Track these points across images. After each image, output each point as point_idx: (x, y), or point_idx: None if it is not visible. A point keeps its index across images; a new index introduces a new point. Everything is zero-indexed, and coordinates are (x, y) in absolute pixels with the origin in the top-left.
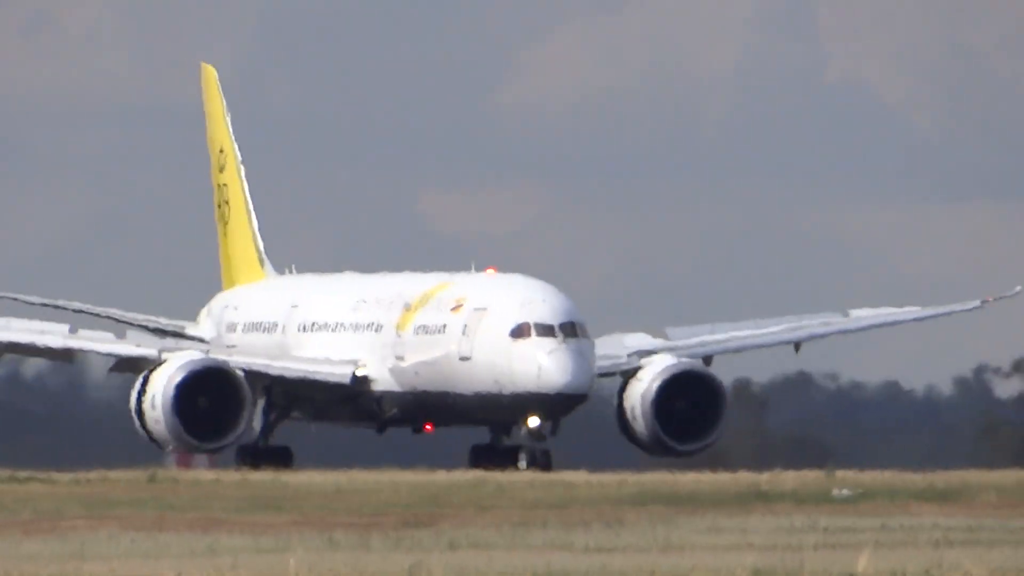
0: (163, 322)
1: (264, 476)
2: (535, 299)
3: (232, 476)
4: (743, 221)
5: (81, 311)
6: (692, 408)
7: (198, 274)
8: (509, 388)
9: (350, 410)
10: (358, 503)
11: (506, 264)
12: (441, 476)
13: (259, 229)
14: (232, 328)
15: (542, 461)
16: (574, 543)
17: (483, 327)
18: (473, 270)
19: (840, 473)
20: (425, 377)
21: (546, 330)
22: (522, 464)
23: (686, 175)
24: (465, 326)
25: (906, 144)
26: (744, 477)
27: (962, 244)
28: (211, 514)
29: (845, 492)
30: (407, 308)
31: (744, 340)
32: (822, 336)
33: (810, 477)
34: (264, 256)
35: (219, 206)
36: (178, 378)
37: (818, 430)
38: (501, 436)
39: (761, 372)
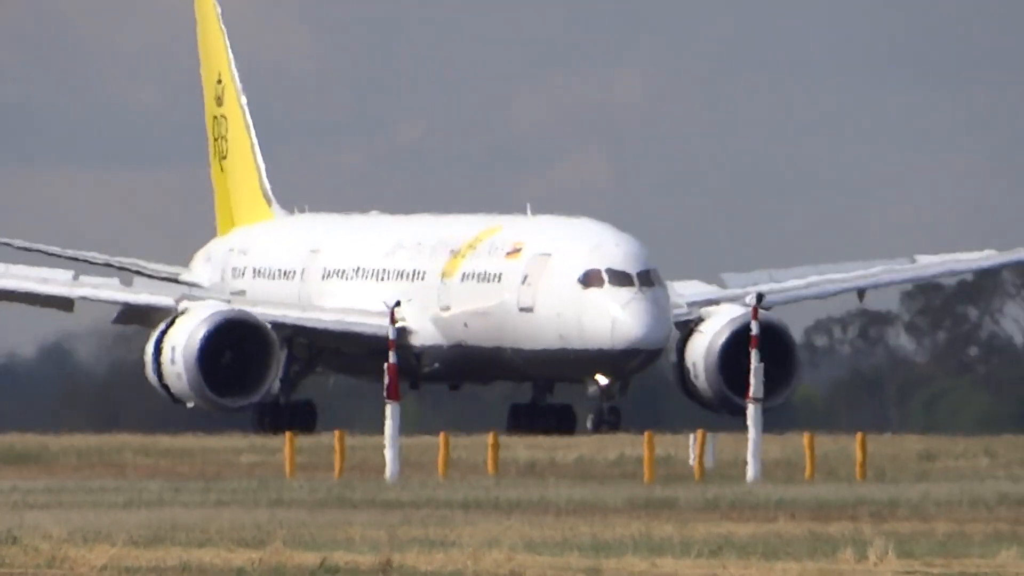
0: (147, 266)
1: None
2: (607, 243)
3: None
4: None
5: (54, 254)
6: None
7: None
8: (577, 343)
9: (383, 365)
10: None
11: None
12: None
13: (265, 166)
14: (239, 274)
15: (611, 420)
16: None
17: (547, 275)
18: (529, 213)
19: None
20: (476, 330)
21: (621, 278)
22: (589, 425)
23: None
24: (526, 274)
25: None
26: None
27: None
28: None
29: None
30: (454, 254)
31: (809, 288)
32: (889, 284)
33: None
34: (271, 195)
35: (215, 140)
36: (203, 330)
37: None
38: (545, 394)
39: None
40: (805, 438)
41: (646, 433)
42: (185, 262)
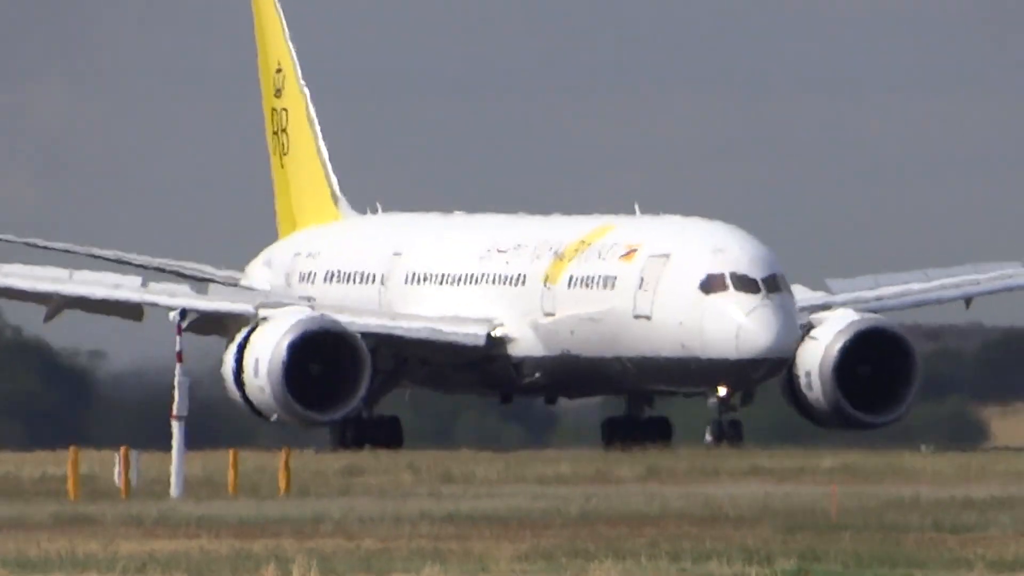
0: (203, 270)
1: None
2: (730, 246)
3: None
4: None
5: (107, 259)
6: (877, 373)
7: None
8: (699, 352)
9: (476, 376)
10: None
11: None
12: None
13: (330, 161)
14: (307, 279)
15: (732, 434)
16: None
17: (665, 279)
18: (638, 212)
19: None
20: (584, 338)
21: (746, 283)
22: (708, 438)
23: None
24: (642, 278)
25: None
26: None
27: None
28: None
29: None
30: (559, 257)
31: (921, 294)
32: (998, 291)
33: None
34: (338, 193)
35: (274, 134)
36: (288, 340)
37: None
38: (642, 406)
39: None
40: (230, 454)
41: (71, 448)
42: (238, 266)
